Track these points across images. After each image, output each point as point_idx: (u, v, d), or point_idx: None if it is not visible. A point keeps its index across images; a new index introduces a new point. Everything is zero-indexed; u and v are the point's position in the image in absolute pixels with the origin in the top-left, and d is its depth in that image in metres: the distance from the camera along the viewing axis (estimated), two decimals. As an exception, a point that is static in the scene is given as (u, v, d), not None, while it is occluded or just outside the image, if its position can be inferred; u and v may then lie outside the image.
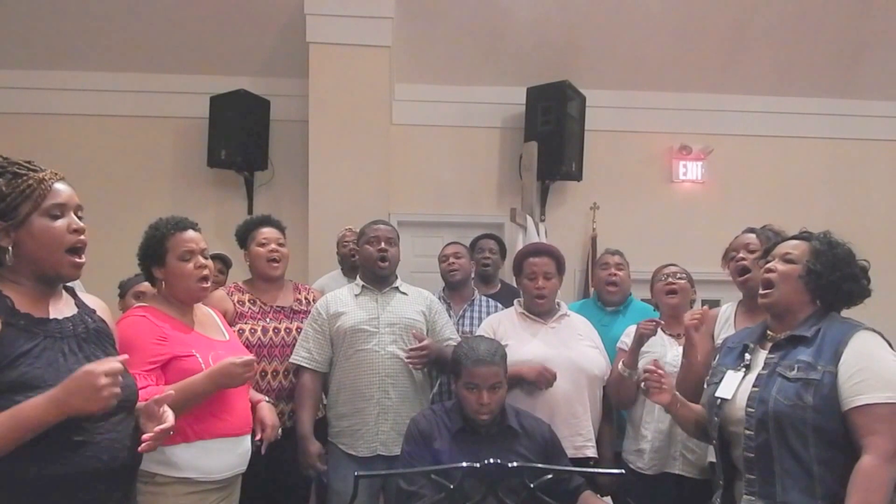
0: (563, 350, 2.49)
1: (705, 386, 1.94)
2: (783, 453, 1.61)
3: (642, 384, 1.99)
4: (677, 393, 1.99)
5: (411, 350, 2.49)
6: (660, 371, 1.95)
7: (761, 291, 1.80)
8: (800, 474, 1.59)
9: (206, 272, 2.00)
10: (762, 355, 1.78)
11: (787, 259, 1.77)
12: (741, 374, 1.77)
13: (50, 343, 1.36)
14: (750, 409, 1.68)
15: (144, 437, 1.40)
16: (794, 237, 1.85)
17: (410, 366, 2.51)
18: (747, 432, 1.68)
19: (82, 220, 1.45)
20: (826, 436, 1.58)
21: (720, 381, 1.81)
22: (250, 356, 1.88)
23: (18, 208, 1.35)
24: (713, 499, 1.87)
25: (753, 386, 1.71)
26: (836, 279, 1.72)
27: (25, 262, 1.38)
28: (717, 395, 1.79)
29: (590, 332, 2.65)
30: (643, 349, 2.48)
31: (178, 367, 1.83)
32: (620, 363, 2.48)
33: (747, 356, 1.80)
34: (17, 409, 1.23)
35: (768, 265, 1.80)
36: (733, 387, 1.76)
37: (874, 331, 1.68)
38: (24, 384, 1.27)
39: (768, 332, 1.83)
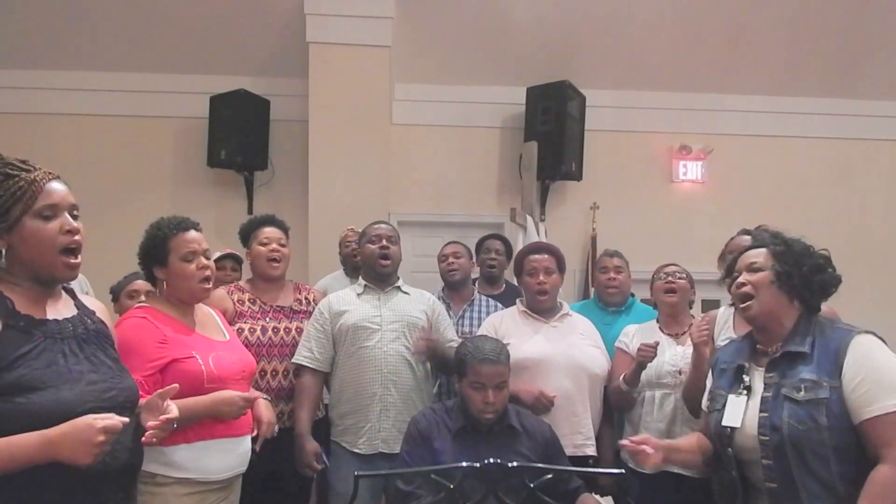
0: (565, 348, 2.49)
1: (706, 411, 1.92)
2: (806, 479, 1.58)
3: (629, 460, 1.93)
4: (665, 444, 1.89)
5: (419, 338, 2.50)
6: (642, 445, 1.79)
7: (741, 305, 1.78)
8: (826, 497, 1.57)
9: (208, 273, 1.99)
10: (759, 375, 1.74)
11: (753, 269, 1.76)
12: (744, 398, 1.74)
13: (49, 344, 1.35)
14: (763, 437, 1.65)
15: (149, 424, 1.39)
16: (749, 248, 1.84)
17: (414, 354, 2.52)
18: (765, 462, 1.65)
19: (78, 219, 1.42)
20: (846, 453, 1.56)
21: (723, 407, 1.78)
22: (256, 393, 1.90)
23: (10, 210, 1.33)
24: None
25: (761, 411, 1.68)
26: (805, 274, 1.71)
27: (20, 264, 1.37)
28: (724, 423, 1.75)
29: (591, 333, 2.65)
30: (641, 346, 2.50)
31: (178, 369, 1.82)
32: (621, 379, 2.48)
33: (745, 378, 1.76)
34: (9, 441, 1.21)
35: (738, 280, 1.79)
36: (740, 414, 1.72)
37: (868, 332, 1.67)
38: (23, 386, 1.27)
39: (759, 346, 1.80)
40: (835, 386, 1.59)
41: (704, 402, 1.97)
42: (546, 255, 2.64)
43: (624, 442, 1.86)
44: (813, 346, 1.66)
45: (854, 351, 1.61)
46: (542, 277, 2.59)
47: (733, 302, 2.25)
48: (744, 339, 1.88)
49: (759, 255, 1.78)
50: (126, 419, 1.33)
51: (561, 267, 2.67)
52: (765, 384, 1.71)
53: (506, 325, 2.60)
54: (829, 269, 1.75)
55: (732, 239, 2.41)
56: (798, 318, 1.73)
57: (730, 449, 1.74)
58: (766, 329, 1.77)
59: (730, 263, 1.90)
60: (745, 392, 1.74)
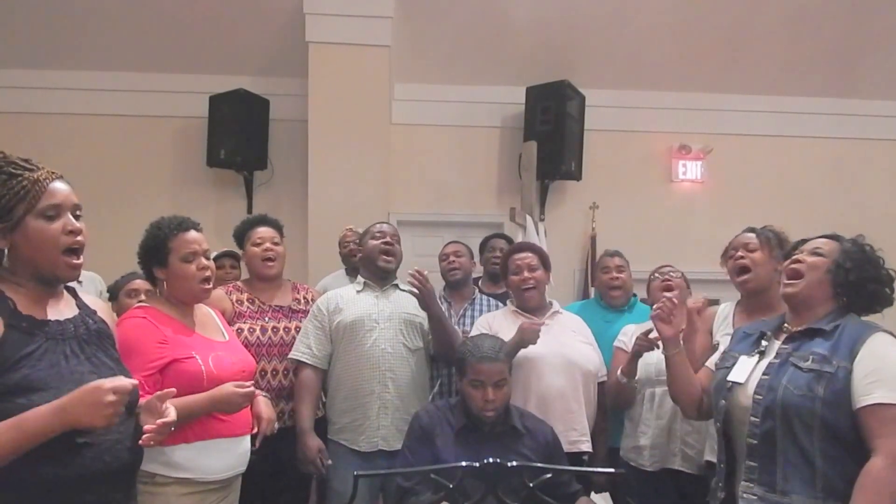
0: (557, 346, 2.50)
1: (714, 369, 1.94)
2: (787, 443, 1.61)
3: (652, 311, 1.99)
4: (682, 347, 1.97)
5: (415, 271, 2.45)
6: (675, 301, 1.94)
7: (786, 281, 1.77)
8: (802, 465, 1.59)
9: (208, 273, 1.99)
10: (776, 345, 1.77)
11: (815, 252, 1.76)
12: (755, 359, 1.76)
13: (51, 345, 1.35)
14: (758, 396, 1.68)
15: (147, 427, 1.40)
16: (823, 236, 1.82)
17: (412, 283, 2.45)
18: (753, 419, 1.67)
19: (81, 219, 1.42)
20: (833, 431, 1.57)
21: (732, 365, 1.80)
22: (251, 388, 1.87)
23: (13, 210, 1.33)
24: (713, 482, 1.86)
25: (763, 374, 1.70)
26: (862, 278, 1.71)
27: (22, 264, 1.37)
28: (729, 378, 1.77)
29: (582, 329, 2.66)
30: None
31: (178, 369, 1.82)
32: (619, 371, 2.48)
33: (763, 343, 1.79)
34: (21, 418, 1.22)
35: (796, 257, 1.78)
36: (747, 372, 1.75)
37: (893, 333, 1.67)
38: (26, 387, 1.27)
39: (785, 325, 1.81)
40: (844, 367, 1.59)
41: (713, 361, 1.98)
42: (528, 254, 2.67)
43: (658, 306, 1.96)
44: (835, 329, 1.67)
45: (874, 342, 1.62)
46: (526, 274, 2.61)
47: (730, 276, 2.31)
48: (776, 318, 1.88)
49: (826, 244, 1.77)
50: (136, 381, 1.34)
51: (545, 264, 2.69)
52: (777, 353, 1.73)
53: (498, 324, 2.60)
54: (888, 287, 1.74)
55: (737, 236, 2.41)
56: (833, 309, 1.73)
57: (724, 401, 1.77)
58: (798, 311, 1.77)
59: (795, 244, 1.88)
60: (757, 355, 1.77)
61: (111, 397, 1.25)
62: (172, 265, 1.96)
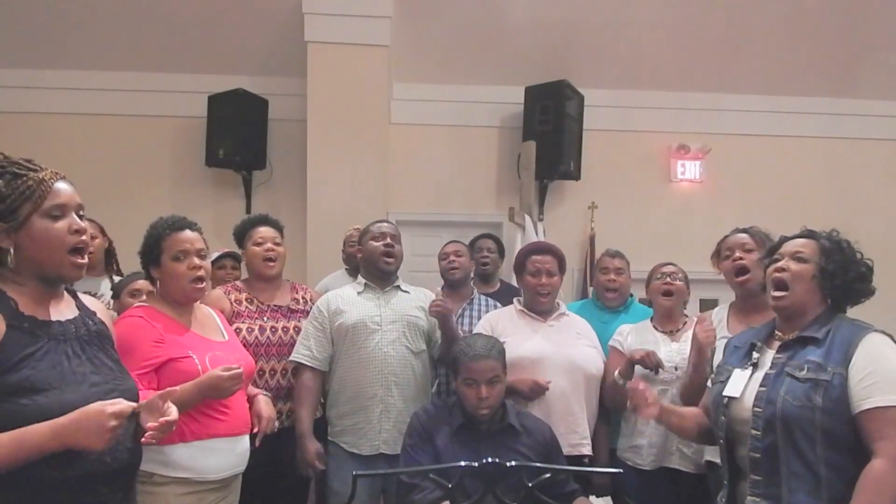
0: (562, 348, 2.50)
1: (709, 385, 1.93)
2: (790, 455, 1.60)
3: (629, 405, 1.97)
4: (664, 405, 1.97)
5: (435, 301, 2.48)
6: (641, 388, 1.92)
7: (775, 293, 1.75)
8: (807, 476, 1.58)
9: (200, 273, 1.98)
10: (770, 355, 1.76)
11: (798, 258, 1.74)
12: (748, 372, 1.75)
13: (53, 346, 1.35)
14: (757, 409, 1.67)
15: (149, 425, 1.39)
16: (798, 235, 1.81)
17: (433, 312, 2.48)
18: (754, 432, 1.66)
19: (83, 219, 1.43)
20: (834, 438, 1.57)
21: (727, 379, 1.79)
22: (238, 369, 1.85)
23: (18, 210, 1.33)
24: (717, 498, 1.86)
25: (760, 385, 1.69)
26: (847, 281, 1.70)
27: (27, 264, 1.37)
28: (724, 393, 1.77)
29: (588, 332, 2.65)
30: (637, 344, 2.52)
31: (175, 369, 1.83)
32: (616, 372, 2.48)
33: (755, 354, 1.78)
34: (20, 433, 1.22)
35: (779, 264, 1.76)
36: (741, 385, 1.74)
37: (884, 332, 1.67)
38: (28, 387, 1.27)
39: (776, 332, 1.80)
40: (839, 372, 1.59)
41: (710, 381, 1.98)
42: (549, 257, 2.64)
43: (632, 383, 1.94)
44: (827, 334, 1.67)
45: (867, 345, 1.61)
46: (544, 280, 2.59)
47: (728, 277, 2.27)
48: (765, 326, 1.87)
49: (806, 246, 1.75)
50: (135, 403, 1.35)
51: (562, 268, 2.68)
52: (772, 363, 1.72)
53: (503, 323, 2.60)
54: (870, 280, 1.74)
55: (727, 237, 2.41)
56: (822, 312, 1.73)
57: (723, 417, 1.76)
58: (790, 319, 1.76)
59: (772, 246, 1.86)
60: (750, 367, 1.76)
61: (113, 422, 1.26)
62: (164, 264, 1.97)
